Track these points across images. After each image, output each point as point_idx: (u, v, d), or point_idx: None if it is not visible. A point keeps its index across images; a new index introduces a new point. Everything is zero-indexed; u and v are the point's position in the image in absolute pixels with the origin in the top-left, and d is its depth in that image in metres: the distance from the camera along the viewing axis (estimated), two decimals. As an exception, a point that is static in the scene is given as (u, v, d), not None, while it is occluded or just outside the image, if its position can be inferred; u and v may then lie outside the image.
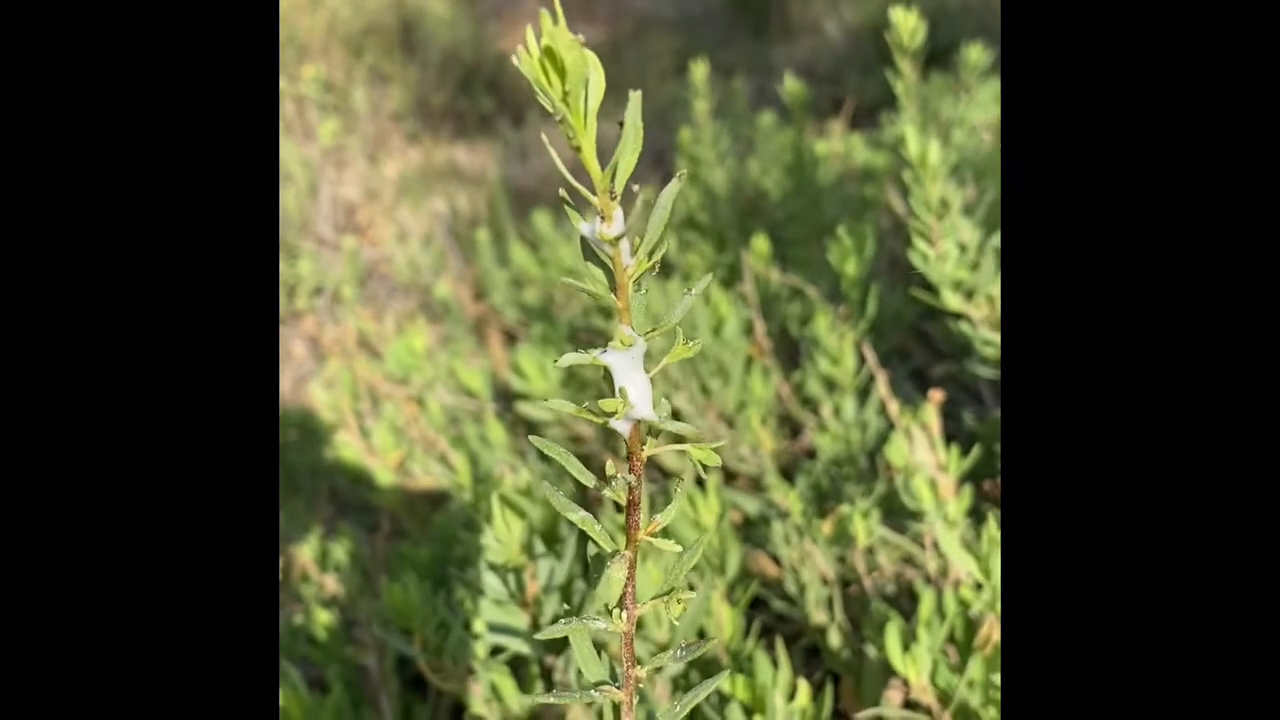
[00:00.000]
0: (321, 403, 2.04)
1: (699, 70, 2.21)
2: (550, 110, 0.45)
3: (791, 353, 1.93)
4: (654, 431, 0.56)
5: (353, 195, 3.62)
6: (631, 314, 0.52)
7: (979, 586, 1.12)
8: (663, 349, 1.63)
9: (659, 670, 1.15)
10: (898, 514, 1.42)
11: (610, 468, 0.56)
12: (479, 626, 1.16)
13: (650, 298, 0.53)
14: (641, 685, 0.61)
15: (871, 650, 1.20)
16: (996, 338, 1.39)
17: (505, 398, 2.19)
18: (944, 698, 1.07)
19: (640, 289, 0.52)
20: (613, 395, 0.53)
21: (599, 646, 0.71)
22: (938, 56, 2.81)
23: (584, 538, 0.75)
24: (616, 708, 0.61)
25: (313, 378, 2.62)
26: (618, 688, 0.61)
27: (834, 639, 1.31)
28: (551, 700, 0.58)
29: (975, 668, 1.04)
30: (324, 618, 1.43)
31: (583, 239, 0.50)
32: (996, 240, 1.35)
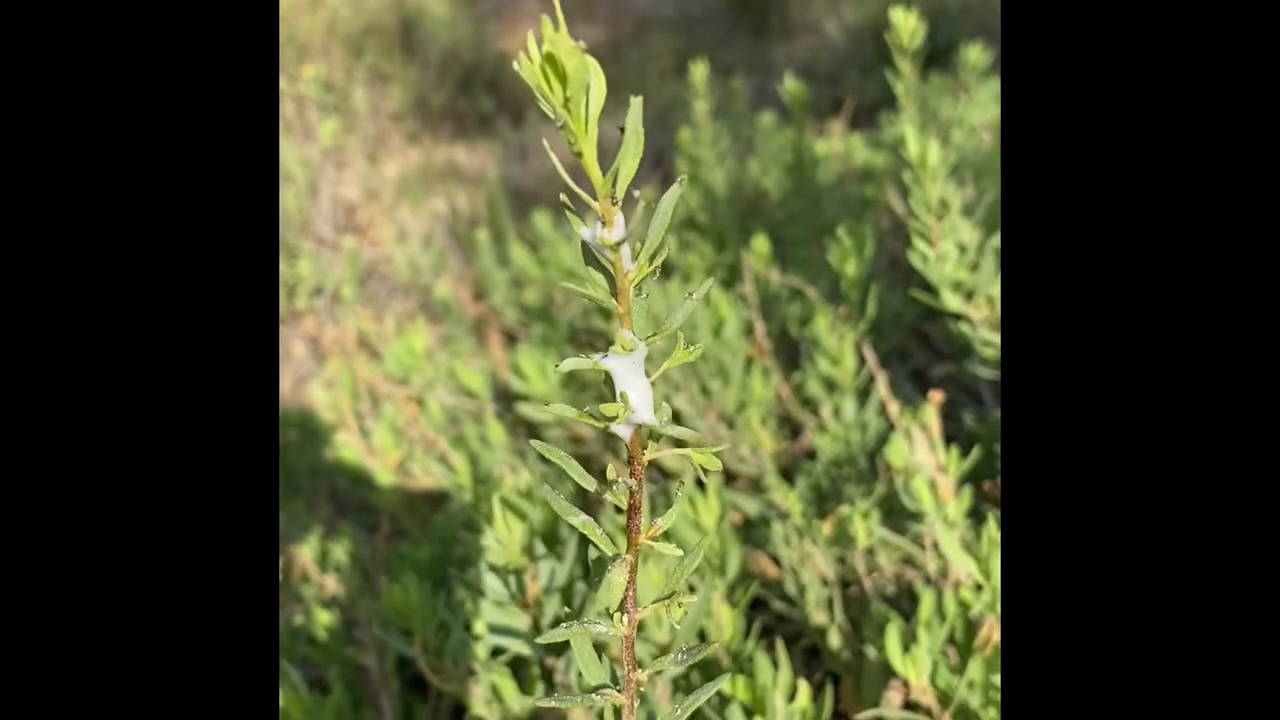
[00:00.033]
0: (321, 403, 2.04)
1: (699, 70, 2.21)
2: (551, 116, 0.45)
3: (791, 353, 1.92)
4: (655, 436, 0.56)
5: (353, 195, 3.62)
6: (632, 318, 0.52)
7: (979, 587, 1.12)
8: (664, 352, 1.63)
9: (659, 673, 1.15)
10: (898, 515, 1.42)
11: (611, 471, 0.56)
12: (479, 628, 1.16)
13: (650, 299, 0.53)
14: (642, 688, 0.61)
15: (871, 651, 1.20)
16: (996, 338, 1.39)
17: (505, 398, 2.19)
18: (944, 699, 1.07)
19: (641, 293, 0.52)
20: (614, 399, 0.53)
21: (600, 649, 0.71)
22: (937, 56, 2.81)
23: (585, 540, 0.75)
24: (618, 711, 0.61)
25: (313, 378, 2.62)
26: (619, 691, 0.61)
27: (834, 640, 1.31)
28: (553, 704, 0.58)
29: (975, 669, 1.04)
30: (324, 618, 1.43)
31: (583, 243, 0.50)
32: (996, 241, 1.35)
